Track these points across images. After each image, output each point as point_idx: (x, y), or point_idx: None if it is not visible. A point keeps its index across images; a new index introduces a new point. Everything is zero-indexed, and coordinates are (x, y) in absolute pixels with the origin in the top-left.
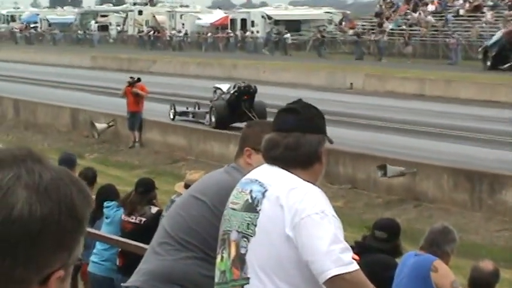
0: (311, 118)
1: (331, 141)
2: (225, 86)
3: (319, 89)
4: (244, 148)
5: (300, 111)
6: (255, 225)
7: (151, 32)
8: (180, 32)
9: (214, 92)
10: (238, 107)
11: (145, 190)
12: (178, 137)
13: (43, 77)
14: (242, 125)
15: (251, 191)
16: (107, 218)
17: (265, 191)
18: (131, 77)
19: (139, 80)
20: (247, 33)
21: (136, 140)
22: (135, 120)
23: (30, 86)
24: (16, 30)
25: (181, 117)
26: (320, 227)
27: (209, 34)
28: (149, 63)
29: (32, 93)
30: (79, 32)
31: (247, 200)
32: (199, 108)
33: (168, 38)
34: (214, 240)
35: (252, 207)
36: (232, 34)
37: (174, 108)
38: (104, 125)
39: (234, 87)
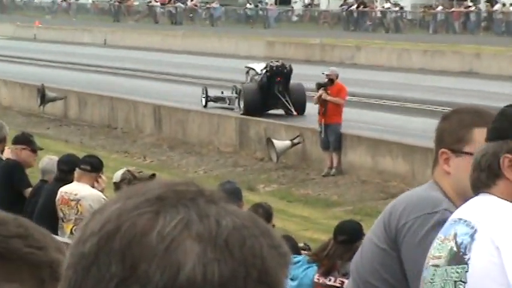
0: None
1: None
2: (259, 66)
3: None
4: (439, 150)
5: None
6: (465, 282)
7: (355, 6)
8: (396, 5)
9: (247, 73)
10: (271, 90)
11: (350, 239)
12: (394, 158)
13: (195, 73)
14: (278, 112)
15: (455, 235)
16: (292, 279)
17: (475, 231)
18: (328, 76)
19: (331, 82)
20: (496, 6)
21: (334, 164)
22: (331, 135)
23: (176, 85)
24: (156, 4)
25: (215, 104)
26: None
27: (439, 8)
28: (351, 50)
29: (179, 95)
30: (248, 5)
31: (452, 248)
32: (237, 93)
33: (379, 14)
34: None
35: (457, 257)
36: (473, 8)
37: (206, 93)
38: (287, 143)
39: (265, 67)
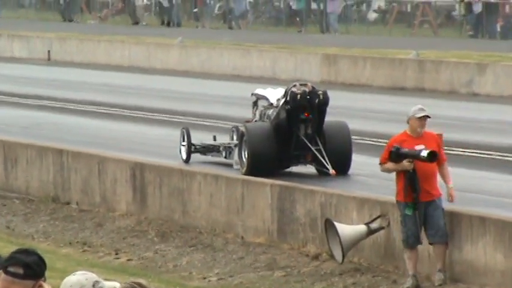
0: None
1: None
2: (273, 93)
3: None
4: None
5: None
6: None
7: None
8: None
9: (254, 104)
10: (293, 133)
11: None
12: None
13: (200, 108)
14: (303, 169)
15: None
16: None
17: None
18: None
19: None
20: None
21: (439, 265)
22: (433, 219)
23: (168, 127)
24: None
25: (204, 157)
26: None
27: None
28: (470, 71)
29: (174, 145)
30: None
31: None
32: (239, 139)
33: None
34: None
35: None
36: None
37: (189, 139)
38: (359, 229)
39: (284, 95)
